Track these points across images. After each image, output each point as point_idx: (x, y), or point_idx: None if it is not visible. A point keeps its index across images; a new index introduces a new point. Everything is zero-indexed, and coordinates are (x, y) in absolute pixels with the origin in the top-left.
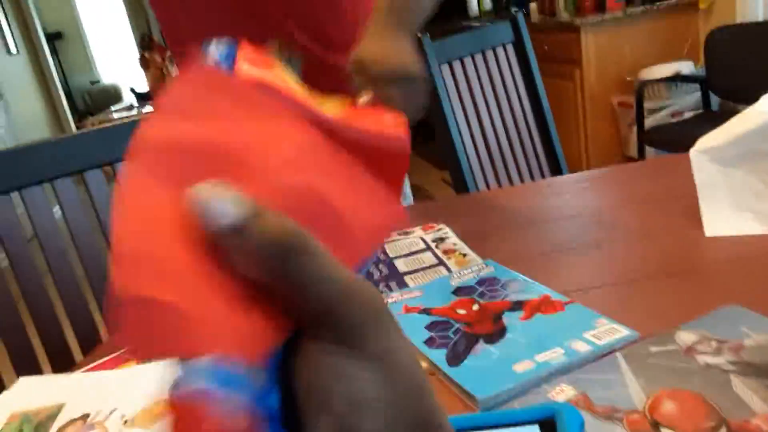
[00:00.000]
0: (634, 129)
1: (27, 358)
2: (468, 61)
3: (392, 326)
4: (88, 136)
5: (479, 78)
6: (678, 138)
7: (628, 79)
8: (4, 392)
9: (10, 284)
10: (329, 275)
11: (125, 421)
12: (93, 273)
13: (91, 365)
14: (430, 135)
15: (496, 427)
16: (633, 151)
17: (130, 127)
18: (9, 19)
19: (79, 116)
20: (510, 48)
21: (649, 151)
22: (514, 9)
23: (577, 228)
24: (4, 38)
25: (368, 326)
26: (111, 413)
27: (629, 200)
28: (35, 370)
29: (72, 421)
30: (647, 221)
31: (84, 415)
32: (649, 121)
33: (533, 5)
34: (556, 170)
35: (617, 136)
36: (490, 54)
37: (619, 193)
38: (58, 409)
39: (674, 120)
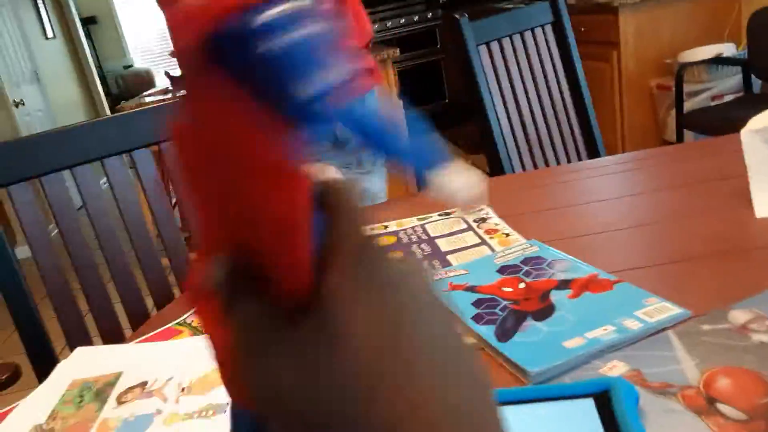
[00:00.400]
0: (673, 112)
1: (78, 330)
2: (506, 42)
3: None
4: (136, 116)
5: (517, 59)
6: (718, 121)
7: (667, 61)
8: (63, 361)
9: (62, 255)
10: None
11: (182, 389)
12: (140, 249)
13: (143, 337)
14: (460, 118)
15: (552, 399)
16: (671, 135)
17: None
18: (46, 3)
19: (113, 100)
20: (549, 29)
21: (688, 135)
22: None
23: (623, 208)
24: (41, 23)
25: None
26: (168, 381)
27: (674, 181)
28: (86, 341)
29: (131, 389)
30: (694, 202)
31: (142, 383)
32: (689, 105)
33: None
34: (594, 155)
35: (655, 120)
36: (528, 35)
37: (663, 175)
38: (116, 377)
39: (714, 103)
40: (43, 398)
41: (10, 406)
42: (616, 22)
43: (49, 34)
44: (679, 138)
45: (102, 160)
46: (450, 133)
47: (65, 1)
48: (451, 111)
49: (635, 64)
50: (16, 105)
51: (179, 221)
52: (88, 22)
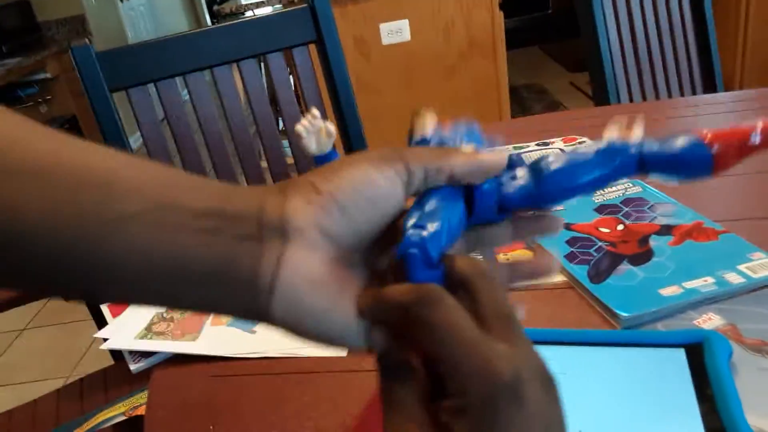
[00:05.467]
0: None
1: None
2: None
3: (524, 414)
4: (243, 26)
5: None
6: None
7: None
8: None
9: (173, 153)
10: (454, 333)
11: None
12: (243, 153)
13: None
14: (565, 31)
15: (643, 345)
16: None
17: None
18: None
19: None
20: None
21: None
22: None
23: None
24: None
25: (491, 408)
26: None
27: None
28: None
29: None
30: None
31: None
32: None
33: None
34: (710, 86)
35: None
36: None
37: None
38: None
39: None
40: None
41: None
42: None
43: None
44: None
45: (212, 68)
46: (551, 48)
47: None
48: (554, 23)
49: None
50: (121, 0)
51: (281, 126)
52: None
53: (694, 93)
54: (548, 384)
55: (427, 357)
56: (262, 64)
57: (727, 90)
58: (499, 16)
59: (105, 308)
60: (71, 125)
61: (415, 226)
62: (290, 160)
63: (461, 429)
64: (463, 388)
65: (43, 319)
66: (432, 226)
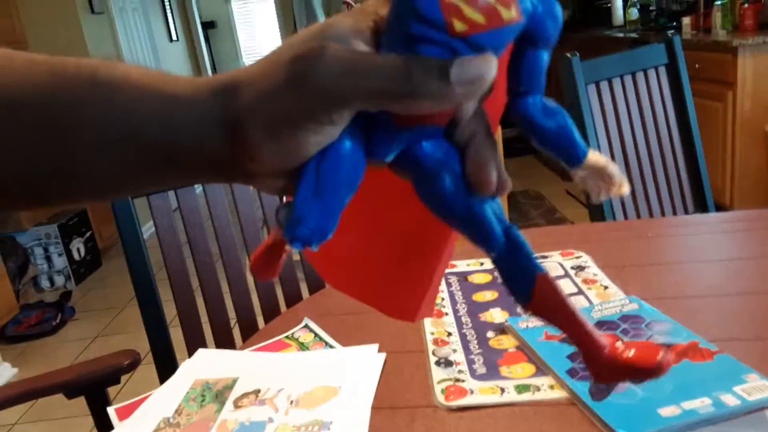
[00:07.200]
0: None
1: (197, 337)
2: (616, 82)
3: None
4: None
5: (626, 100)
6: None
7: None
8: (186, 361)
9: (188, 264)
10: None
11: (291, 401)
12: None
13: (255, 346)
14: None
15: None
16: None
17: None
18: (173, 8)
19: None
20: (662, 70)
21: None
22: (663, 21)
23: (729, 272)
24: (167, 26)
25: None
26: (279, 392)
27: None
28: (200, 340)
29: (246, 394)
30: None
31: (256, 390)
32: None
33: (686, 20)
34: (701, 204)
35: (767, 167)
36: (640, 76)
37: None
38: (233, 381)
39: None
40: (170, 393)
41: (142, 396)
42: (734, 63)
43: (174, 37)
44: None
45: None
46: (546, 156)
47: (189, 6)
48: None
49: (752, 106)
50: None
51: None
52: (208, 26)
53: (685, 210)
54: None
55: None
56: None
57: (718, 206)
58: (498, 128)
59: (112, 411)
60: (80, 218)
61: (302, 225)
62: (296, 257)
63: None
64: None
65: (34, 415)
66: (318, 217)
